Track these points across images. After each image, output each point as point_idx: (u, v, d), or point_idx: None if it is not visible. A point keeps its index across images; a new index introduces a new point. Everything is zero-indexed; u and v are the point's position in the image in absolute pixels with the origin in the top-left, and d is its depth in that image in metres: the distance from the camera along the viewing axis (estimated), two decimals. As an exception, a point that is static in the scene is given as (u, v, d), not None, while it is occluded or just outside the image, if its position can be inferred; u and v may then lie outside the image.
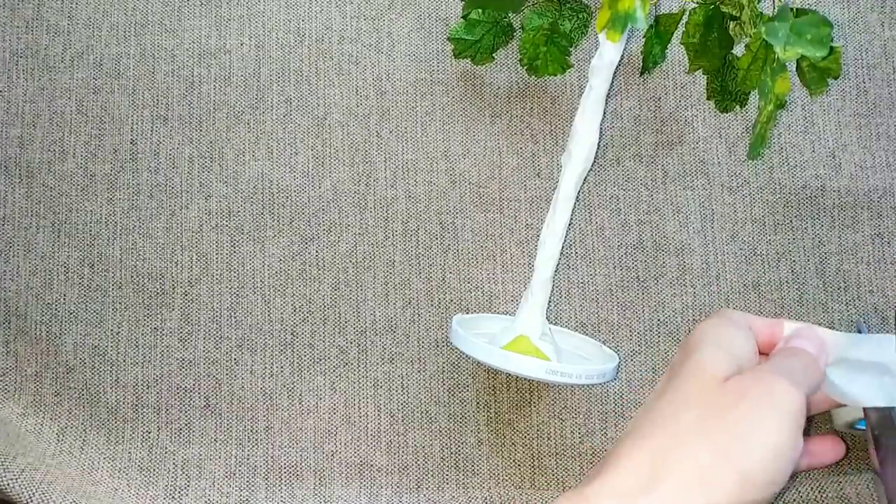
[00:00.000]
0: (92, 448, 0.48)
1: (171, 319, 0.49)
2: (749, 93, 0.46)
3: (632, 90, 0.49)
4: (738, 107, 0.46)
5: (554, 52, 0.47)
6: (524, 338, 0.44)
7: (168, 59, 0.50)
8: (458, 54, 0.48)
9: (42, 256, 0.49)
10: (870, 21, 0.50)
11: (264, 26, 0.50)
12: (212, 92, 0.50)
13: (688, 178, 0.49)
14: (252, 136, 0.50)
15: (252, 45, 0.50)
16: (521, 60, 0.47)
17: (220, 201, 0.49)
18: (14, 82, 0.50)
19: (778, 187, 0.49)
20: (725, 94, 0.46)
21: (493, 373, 0.48)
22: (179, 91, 0.50)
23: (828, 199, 0.49)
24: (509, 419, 0.48)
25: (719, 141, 0.49)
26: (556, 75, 0.47)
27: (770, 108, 0.38)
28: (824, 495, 0.46)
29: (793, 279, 0.48)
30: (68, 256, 0.49)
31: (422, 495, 0.47)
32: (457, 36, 0.47)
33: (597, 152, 0.45)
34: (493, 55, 0.48)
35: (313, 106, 0.50)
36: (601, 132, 0.48)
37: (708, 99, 0.47)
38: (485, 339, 0.45)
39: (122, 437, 0.48)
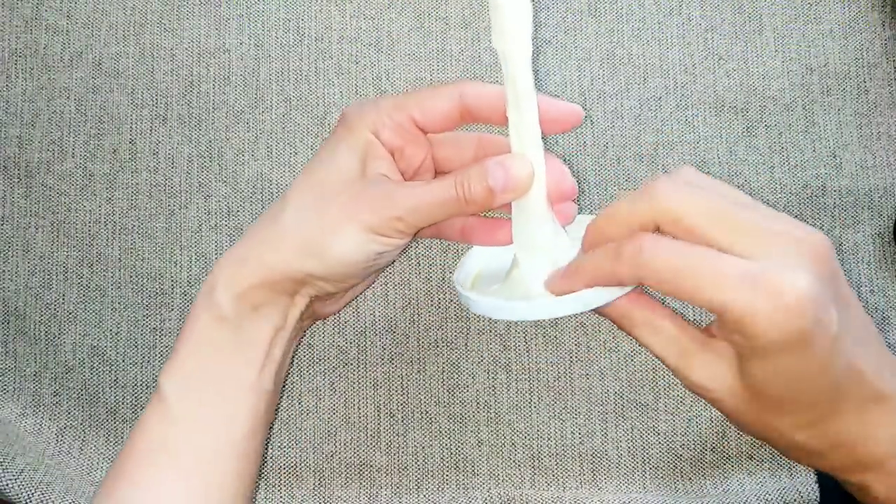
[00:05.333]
0: (91, 448, 0.48)
1: (170, 319, 0.49)
2: None
3: (632, 90, 0.49)
4: None
5: None
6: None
7: (167, 59, 0.50)
8: None
9: (41, 256, 0.49)
10: (870, 20, 0.50)
11: (263, 25, 0.50)
12: (211, 91, 0.50)
13: (688, 178, 0.49)
14: (251, 136, 0.50)
15: (251, 45, 0.50)
16: None
17: (219, 201, 0.49)
18: (13, 82, 0.50)
19: (778, 187, 0.49)
20: None
21: (492, 372, 0.48)
22: (179, 90, 0.50)
23: (828, 198, 0.49)
24: (509, 419, 0.48)
25: (719, 141, 0.49)
26: None
27: None
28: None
29: (793, 279, 0.48)
30: (67, 256, 0.49)
31: (421, 495, 0.47)
32: None
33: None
34: None
35: (313, 105, 0.50)
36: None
37: None
38: (496, 287, 0.40)
39: (122, 438, 0.48)
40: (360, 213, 0.37)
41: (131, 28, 0.50)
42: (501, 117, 0.38)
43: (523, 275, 0.38)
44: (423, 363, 0.48)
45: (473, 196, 0.37)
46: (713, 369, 0.34)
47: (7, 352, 0.49)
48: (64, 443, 0.48)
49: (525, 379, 0.48)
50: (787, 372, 0.32)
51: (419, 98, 0.39)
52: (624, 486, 0.47)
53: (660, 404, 0.48)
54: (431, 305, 0.49)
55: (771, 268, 0.31)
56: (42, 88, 0.50)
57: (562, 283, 0.36)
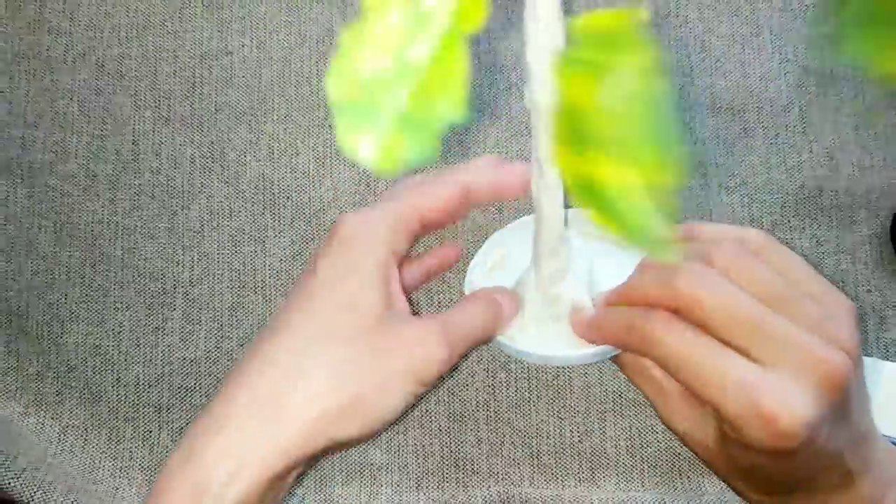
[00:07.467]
0: (93, 447, 0.48)
1: (172, 319, 0.49)
2: None
3: (630, 91, 0.50)
4: None
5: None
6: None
7: (170, 61, 0.50)
8: None
9: (44, 256, 0.50)
10: (867, 23, 0.50)
11: (266, 28, 0.51)
12: (213, 93, 0.50)
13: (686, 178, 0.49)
14: (253, 137, 0.50)
15: (254, 47, 0.51)
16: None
17: (221, 202, 0.50)
18: (16, 83, 0.51)
19: (776, 187, 0.49)
20: None
21: (492, 371, 0.48)
22: (181, 92, 0.50)
23: (825, 199, 0.49)
24: (508, 418, 0.48)
25: (718, 141, 0.49)
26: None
27: None
28: None
29: (791, 279, 0.48)
30: (70, 256, 0.50)
31: (421, 494, 0.47)
32: None
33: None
34: None
35: (314, 107, 0.50)
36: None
37: None
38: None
39: (124, 437, 0.48)
40: (410, 365, 0.33)
41: (134, 30, 0.51)
42: (503, 194, 0.40)
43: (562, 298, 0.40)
44: (424, 362, 0.48)
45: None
46: (694, 425, 0.36)
47: (10, 351, 0.49)
48: (66, 442, 0.48)
49: (524, 377, 0.48)
50: (764, 465, 0.33)
51: (423, 195, 0.37)
52: (623, 484, 0.47)
53: (658, 403, 0.48)
54: (431, 305, 0.49)
55: (774, 385, 0.31)
56: (45, 90, 0.50)
57: (587, 332, 0.38)
